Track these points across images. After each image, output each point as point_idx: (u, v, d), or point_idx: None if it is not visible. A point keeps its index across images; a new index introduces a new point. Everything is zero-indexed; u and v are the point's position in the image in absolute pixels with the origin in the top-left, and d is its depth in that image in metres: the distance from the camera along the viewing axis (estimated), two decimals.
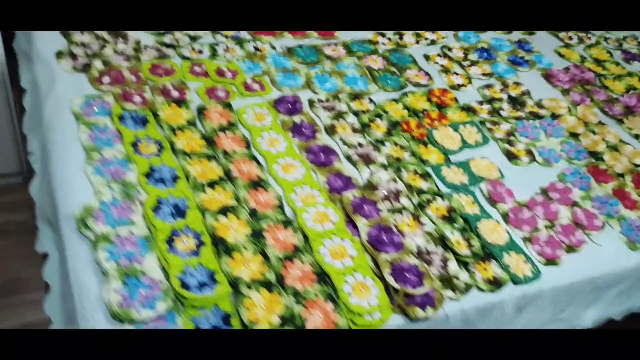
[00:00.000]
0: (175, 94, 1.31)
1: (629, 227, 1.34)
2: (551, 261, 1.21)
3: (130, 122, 1.21)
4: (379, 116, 1.44)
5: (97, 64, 1.32)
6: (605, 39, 2.07)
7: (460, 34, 1.86)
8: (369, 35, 1.73)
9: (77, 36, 1.37)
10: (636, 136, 1.64)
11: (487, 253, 1.18)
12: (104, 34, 1.41)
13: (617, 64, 1.95)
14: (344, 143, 1.33)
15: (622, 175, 1.49)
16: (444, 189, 1.31)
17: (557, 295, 1.20)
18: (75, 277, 0.94)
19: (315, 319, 0.97)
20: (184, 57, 1.43)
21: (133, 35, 1.44)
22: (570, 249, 1.25)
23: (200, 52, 1.46)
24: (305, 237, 1.09)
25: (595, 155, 1.53)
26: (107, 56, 1.35)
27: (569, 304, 1.23)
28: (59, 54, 1.32)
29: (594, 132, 1.60)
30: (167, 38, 1.47)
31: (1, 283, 1.74)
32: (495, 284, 1.12)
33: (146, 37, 1.46)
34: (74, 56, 1.32)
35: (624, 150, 1.56)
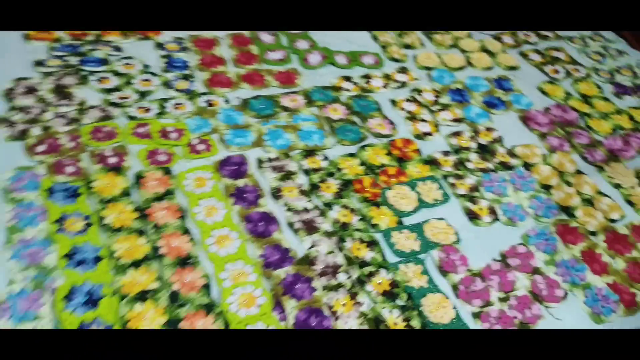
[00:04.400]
0: (113, 160, 1.27)
1: (594, 297, 1.25)
2: None
3: (60, 196, 1.17)
4: (332, 174, 1.38)
5: (35, 131, 1.29)
6: (597, 71, 1.96)
7: (434, 73, 1.78)
8: (333, 80, 1.66)
9: (19, 99, 1.35)
10: (617, 186, 1.54)
11: None
12: (47, 95, 1.38)
13: (607, 99, 1.84)
14: (288, 209, 1.28)
15: (594, 233, 1.39)
16: (392, 257, 1.24)
17: None
18: None
19: None
20: (130, 117, 1.39)
21: (78, 94, 1.41)
22: (524, 325, 1.17)
23: (148, 110, 1.42)
24: (227, 324, 1.04)
25: (567, 211, 1.43)
26: (47, 120, 1.32)
27: None
28: None
29: (568, 184, 1.50)
30: (114, 96, 1.43)
31: None
32: None
33: (92, 96, 1.42)
34: (11, 123, 1.29)
35: (599, 205, 1.46)
